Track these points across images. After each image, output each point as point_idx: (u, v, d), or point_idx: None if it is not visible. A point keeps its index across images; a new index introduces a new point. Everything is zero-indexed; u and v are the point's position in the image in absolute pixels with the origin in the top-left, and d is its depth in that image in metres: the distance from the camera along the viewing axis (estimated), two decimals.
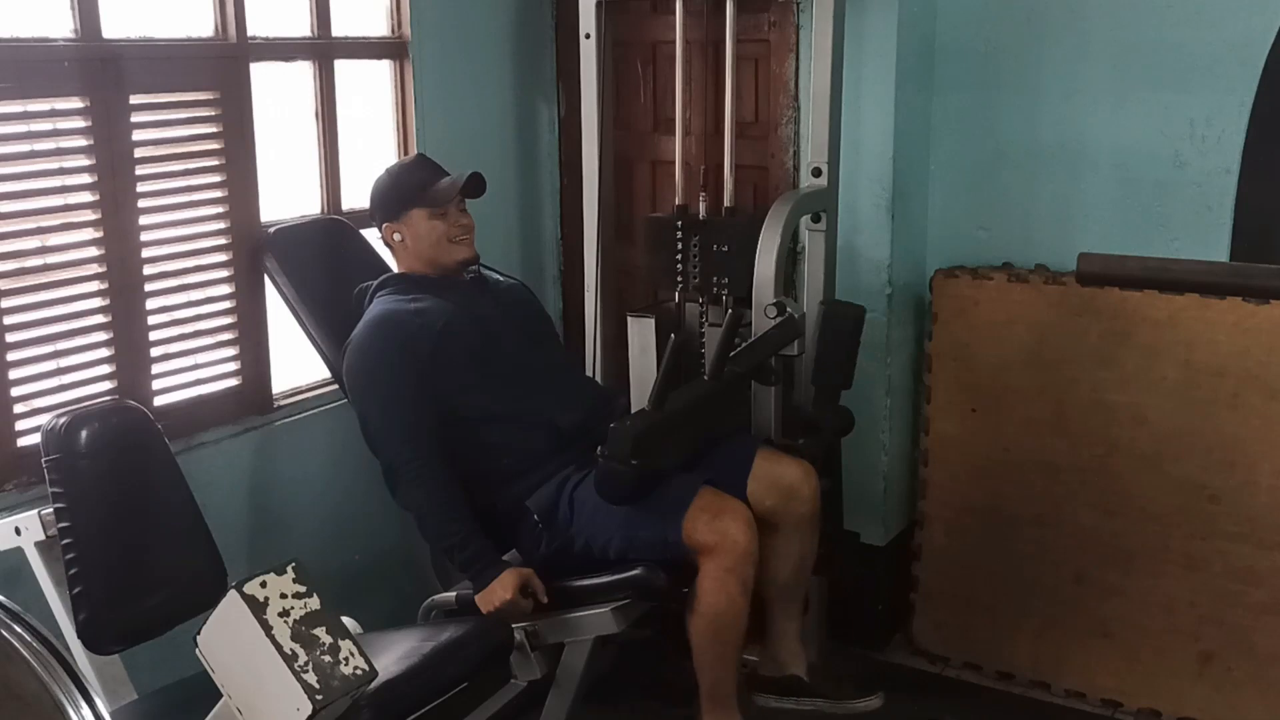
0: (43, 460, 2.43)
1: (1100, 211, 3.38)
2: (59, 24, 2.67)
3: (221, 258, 3.01)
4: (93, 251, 2.73)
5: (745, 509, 2.76)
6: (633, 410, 2.98)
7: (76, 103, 2.67)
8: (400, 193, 2.98)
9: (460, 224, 2.99)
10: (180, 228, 2.92)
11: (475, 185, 2.98)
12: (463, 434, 2.87)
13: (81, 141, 2.69)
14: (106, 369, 2.78)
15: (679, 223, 3.37)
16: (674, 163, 3.47)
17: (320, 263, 3.11)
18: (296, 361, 3.23)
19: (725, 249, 3.27)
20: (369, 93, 3.42)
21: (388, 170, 3.05)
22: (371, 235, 3.32)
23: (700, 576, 2.72)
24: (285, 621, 1.83)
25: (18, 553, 2.45)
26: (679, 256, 3.37)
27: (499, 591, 2.72)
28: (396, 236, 3.00)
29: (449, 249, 2.98)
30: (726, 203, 3.37)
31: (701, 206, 3.41)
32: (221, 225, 2.99)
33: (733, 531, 2.70)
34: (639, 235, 3.63)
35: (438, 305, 2.90)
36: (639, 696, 3.45)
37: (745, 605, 2.74)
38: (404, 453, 2.78)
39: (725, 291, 3.30)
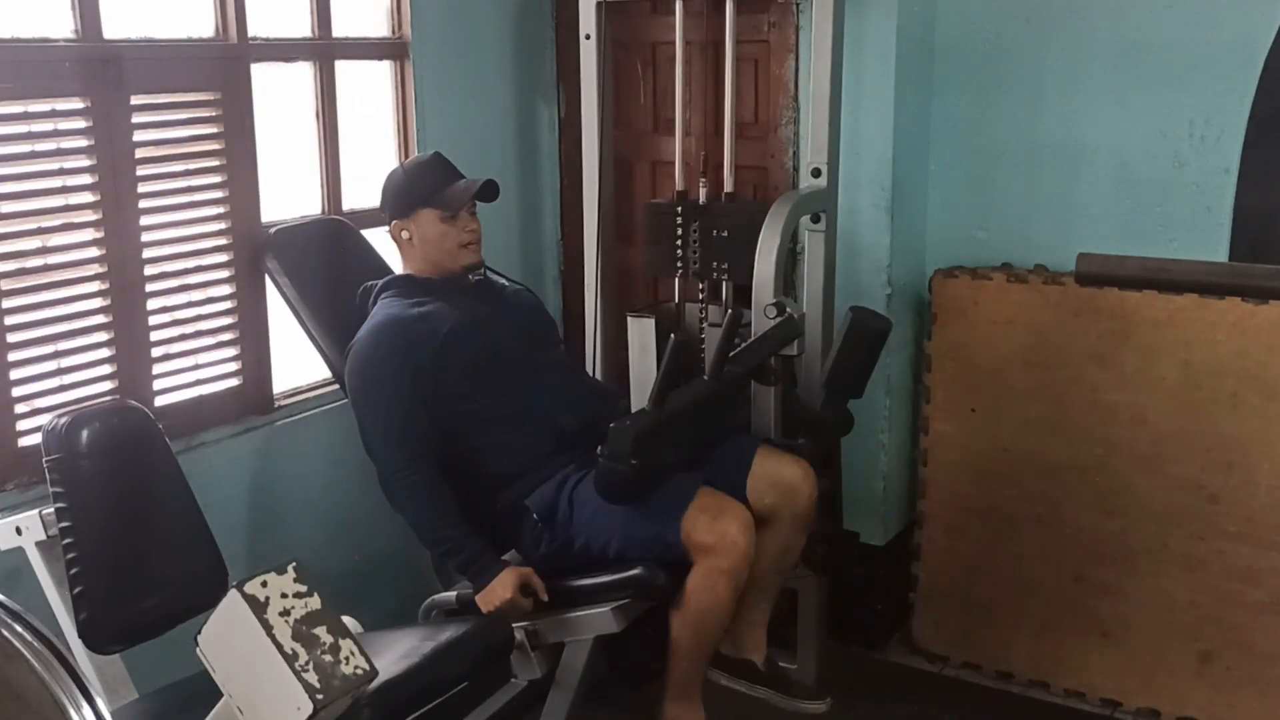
0: (44, 460, 2.43)
1: (1099, 212, 3.38)
2: (59, 24, 2.67)
3: (222, 258, 3.01)
4: (93, 252, 2.74)
5: (745, 511, 2.76)
6: (633, 410, 2.98)
7: (77, 103, 2.67)
8: (413, 191, 2.98)
9: (469, 229, 2.99)
10: (181, 228, 2.92)
11: (489, 191, 2.99)
12: (464, 436, 2.88)
13: (82, 142, 2.69)
14: (107, 369, 2.78)
15: (679, 208, 3.40)
16: (674, 163, 3.47)
17: (321, 263, 3.12)
18: (297, 361, 3.23)
19: (725, 234, 3.32)
20: (369, 93, 3.43)
21: (403, 166, 3.06)
22: (372, 235, 3.33)
23: (693, 574, 2.73)
24: (286, 621, 1.83)
25: (18, 552, 2.45)
26: (679, 243, 3.40)
27: (499, 591, 2.72)
28: (405, 234, 2.99)
29: (456, 253, 2.99)
30: (727, 189, 3.39)
31: (702, 193, 3.43)
32: (222, 225, 3.00)
33: (732, 533, 2.70)
34: (639, 221, 3.67)
35: (442, 310, 2.90)
36: (646, 692, 3.45)
37: (732, 607, 2.76)
38: (396, 460, 2.78)
39: (725, 277, 3.33)
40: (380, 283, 3.01)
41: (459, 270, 3.00)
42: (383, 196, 3.05)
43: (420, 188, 2.97)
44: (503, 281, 3.16)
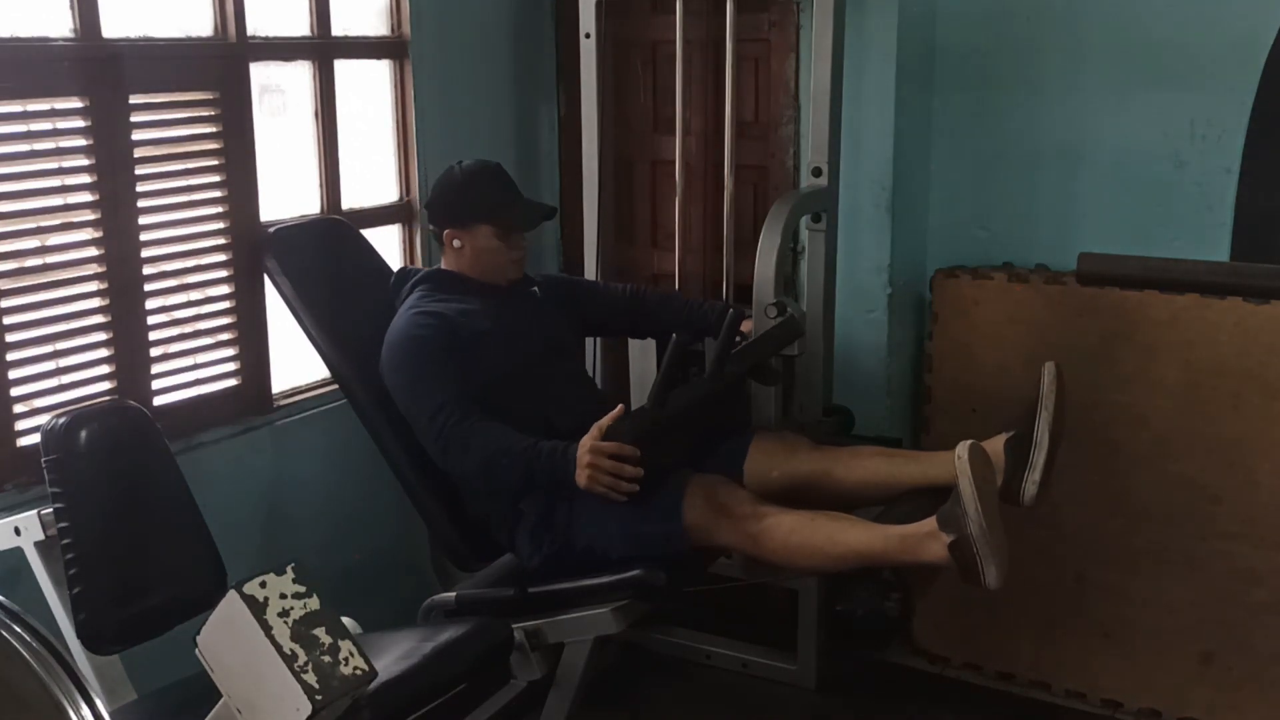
0: (42, 460, 2.42)
1: (1101, 211, 3.38)
2: (58, 24, 2.66)
3: (221, 258, 3.00)
4: (92, 251, 2.73)
5: (737, 484, 2.78)
6: (633, 410, 2.97)
7: (76, 102, 2.66)
8: (475, 204, 2.96)
9: (520, 245, 3.01)
10: (180, 227, 2.91)
11: (550, 217, 3.09)
12: None
13: (81, 141, 2.68)
14: (106, 369, 2.78)
15: None
16: (674, 162, 3.47)
17: (320, 263, 3.11)
18: (296, 361, 3.22)
19: None
20: (369, 92, 3.42)
21: (464, 172, 3.01)
22: (371, 235, 3.32)
23: (736, 550, 2.75)
24: (285, 622, 1.82)
25: (17, 553, 2.45)
26: None
27: (584, 460, 2.64)
28: (456, 243, 2.98)
29: (505, 268, 3.01)
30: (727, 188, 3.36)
31: None
32: (221, 225, 2.99)
33: (738, 494, 2.71)
34: None
35: (478, 311, 2.92)
36: (646, 692, 3.45)
37: (781, 514, 2.66)
38: (443, 420, 2.74)
39: None
40: (420, 273, 3.03)
41: (503, 284, 3.02)
42: (436, 198, 3.03)
43: (482, 202, 2.97)
44: (535, 288, 3.13)
